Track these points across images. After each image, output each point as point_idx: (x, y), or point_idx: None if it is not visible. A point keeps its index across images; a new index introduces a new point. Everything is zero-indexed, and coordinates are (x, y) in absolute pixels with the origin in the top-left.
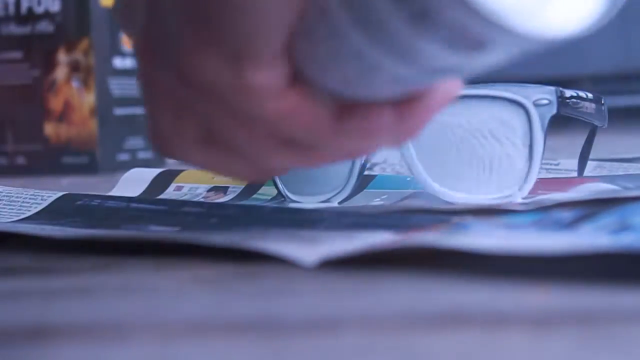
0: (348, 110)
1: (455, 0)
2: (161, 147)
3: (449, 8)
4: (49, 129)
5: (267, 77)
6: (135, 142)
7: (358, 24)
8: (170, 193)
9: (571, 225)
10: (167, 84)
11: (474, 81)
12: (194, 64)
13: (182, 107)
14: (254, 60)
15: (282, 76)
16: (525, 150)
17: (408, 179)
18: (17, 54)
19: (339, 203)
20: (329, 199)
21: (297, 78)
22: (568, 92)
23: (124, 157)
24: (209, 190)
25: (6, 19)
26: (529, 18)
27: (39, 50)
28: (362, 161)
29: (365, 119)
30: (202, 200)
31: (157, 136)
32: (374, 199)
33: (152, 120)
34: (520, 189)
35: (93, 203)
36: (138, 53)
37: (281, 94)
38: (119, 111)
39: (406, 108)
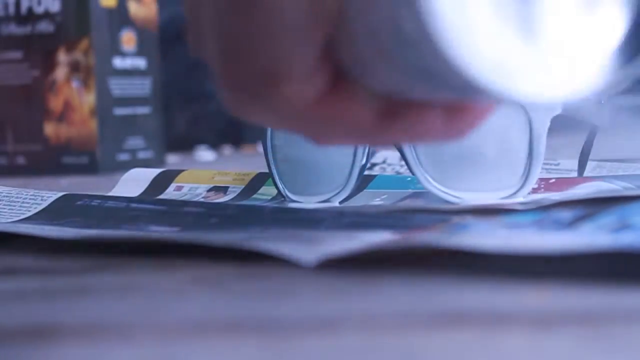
0: (397, 109)
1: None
2: (236, 111)
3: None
4: (49, 129)
5: (302, 90)
6: (135, 142)
7: (379, 57)
8: (170, 193)
9: (571, 225)
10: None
11: None
12: (234, 74)
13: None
14: (287, 77)
15: (319, 85)
16: (526, 151)
17: (408, 179)
18: (17, 54)
19: (339, 203)
20: (329, 199)
21: (341, 75)
22: None
23: (124, 157)
24: (209, 190)
25: (6, 19)
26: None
27: (39, 50)
28: (362, 161)
29: (414, 117)
30: (202, 200)
31: (231, 102)
32: (374, 199)
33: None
34: (520, 189)
35: (93, 203)
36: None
37: (320, 99)
38: (119, 111)
39: (456, 111)
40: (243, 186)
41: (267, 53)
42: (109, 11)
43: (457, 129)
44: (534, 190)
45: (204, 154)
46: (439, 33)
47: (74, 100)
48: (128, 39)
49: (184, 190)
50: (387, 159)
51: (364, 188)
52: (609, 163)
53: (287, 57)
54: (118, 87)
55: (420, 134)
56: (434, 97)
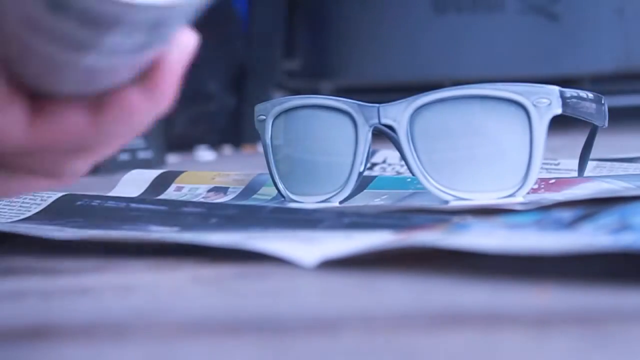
0: (99, 104)
1: None
2: None
3: None
4: None
5: (3, 123)
6: (135, 142)
7: (39, 38)
8: (170, 193)
9: (571, 225)
10: None
11: (474, 81)
12: None
13: None
14: None
15: (20, 112)
16: (526, 151)
17: (408, 179)
18: None
19: (339, 203)
20: (329, 199)
21: (38, 98)
22: (568, 92)
23: (124, 157)
24: (209, 191)
25: None
26: None
27: None
28: (362, 161)
29: (116, 106)
30: (202, 200)
31: None
32: (374, 199)
33: None
34: (520, 189)
35: (93, 203)
36: None
37: (28, 124)
38: None
39: (149, 80)
40: (243, 187)
41: None
42: None
43: (161, 96)
44: (534, 190)
45: (204, 154)
46: None
47: None
48: None
49: (184, 190)
50: (387, 158)
51: (364, 188)
52: (609, 163)
53: None
54: None
55: (131, 117)
56: (116, 79)
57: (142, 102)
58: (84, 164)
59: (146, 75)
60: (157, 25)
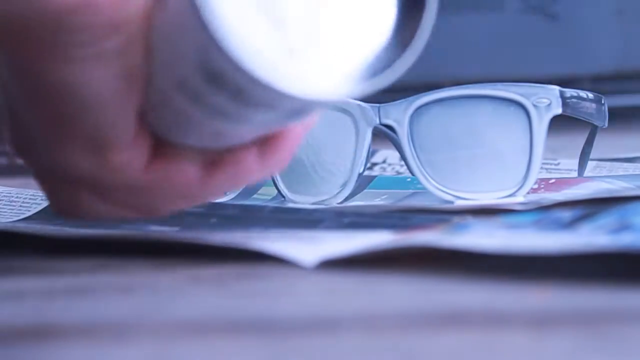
0: (215, 160)
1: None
2: (63, 212)
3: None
4: None
5: (129, 156)
6: None
7: (189, 101)
8: None
9: (571, 225)
10: (46, 167)
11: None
12: (59, 157)
13: (67, 186)
14: (113, 147)
15: (144, 150)
16: (526, 150)
17: (408, 179)
18: None
19: (339, 203)
20: (328, 199)
21: (162, 142)
22: (568, 92)
23: None
24: None
25: None
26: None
27: None
28: (362, 161)
29: (232, 166)
30: None
31: (55, 203)
32: (374, 199)
33: (45, 190)
34: (520, 188)
35: None
36: (12, 145)
37: (146, 164)
38: None
39: (269, 147)
40: (243, 187)
41: (88, 125)
42: None
43: (273, 162)
44: (534, 190)
45: None
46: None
47: None
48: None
49: None
50: (387, 158)
51: (364, 188)
52: (609, 163)
53: (109, 127)
54: None
55: (241, 176)
56: (245, 140)
57: (257, 164)
58: (182, 206)
59: (267, 141)
60: (301, 111)
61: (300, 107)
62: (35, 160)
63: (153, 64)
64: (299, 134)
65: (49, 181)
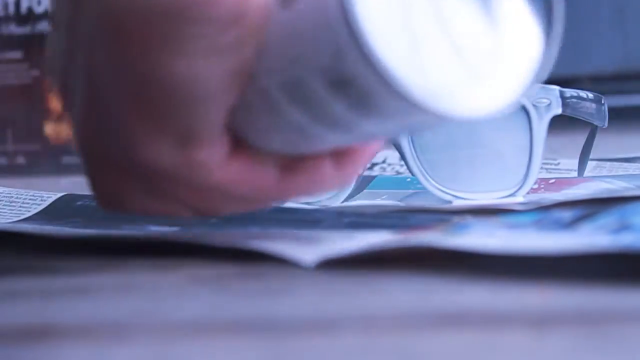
0: (292, 166)
1: (389, 90)
2: (109, 205)
3: (382, 95)
4: (49, 129)
5: (211, 153)
6: None
7: (297, 104)
8: None
9: (571, 225)
10: (112, 158)
11: None
12: (141, 150)
13: (129, 174)
14: (198, 143)
15: (224, 149)
16: (525, 150)
17: (408, 179)
18: (17, 54)
19: (339, 203)
20: (329, 199)
21: (240, 143)
22: (568, 92)
23: None
24: None
25: (6, 19)
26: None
27: (39, 50)
28: None
29: (308, 173)
30: None
31: (103, 195)
32: (374, 199)
33: (95, 182)
34: (520, 188)
35: (93, 203)
36: (77, 130)
37: (225, 164)
38: None
39: (345, 158)
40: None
41: (181, 119)
42: None
43: (347, 174)
44: (534, 190)
45: None
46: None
47: None
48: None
49: None
50: (387, 158)
51: (364, 188)
52: (609, 163)
53: (202, 123)
54: None
55: (316, 184)
56: (326, 149)
57: (332, 173)
58: (247, 209)
59: (345, 152)
60: (418, 124)
61: (422, 120)
62: (100, 150)
63: (259, 62)
64: (374, 148)
65: (104, 172)
